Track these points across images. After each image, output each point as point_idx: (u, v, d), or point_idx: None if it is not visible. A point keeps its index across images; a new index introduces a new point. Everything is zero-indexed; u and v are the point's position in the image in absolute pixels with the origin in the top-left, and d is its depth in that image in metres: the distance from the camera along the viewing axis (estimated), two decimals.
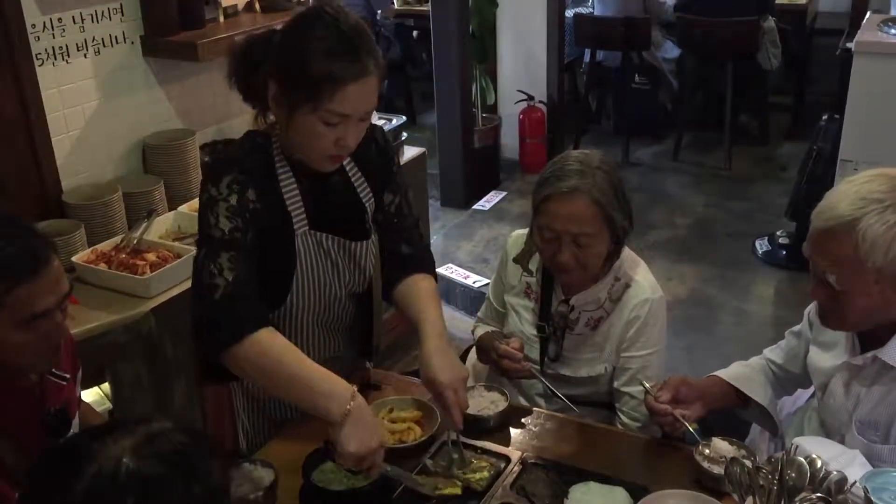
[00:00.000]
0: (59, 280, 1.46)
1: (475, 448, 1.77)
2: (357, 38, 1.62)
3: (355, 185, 1.85)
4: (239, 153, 1.74)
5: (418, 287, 1.91)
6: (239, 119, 3.11)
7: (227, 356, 1.62)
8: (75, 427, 1.67)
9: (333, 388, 1.58)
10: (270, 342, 1.63)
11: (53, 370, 1.61)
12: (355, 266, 1.86)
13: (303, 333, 1.87)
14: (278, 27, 1.72)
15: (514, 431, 1.88)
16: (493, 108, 5.53)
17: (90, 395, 2.47)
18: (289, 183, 1.74)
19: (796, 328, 1.93)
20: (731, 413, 1.95)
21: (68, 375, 1.64)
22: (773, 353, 1.98)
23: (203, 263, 1.66)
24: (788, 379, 1.95)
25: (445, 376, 1.71)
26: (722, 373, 1.93)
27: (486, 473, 1.69)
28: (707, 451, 1.68)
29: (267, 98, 1.68)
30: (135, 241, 2.58)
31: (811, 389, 1.90)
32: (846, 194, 1.54)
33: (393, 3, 6.55)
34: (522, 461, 1.73)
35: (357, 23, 1.65)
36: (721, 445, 1.70)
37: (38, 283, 1.42)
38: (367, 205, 1.87)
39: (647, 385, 1.81)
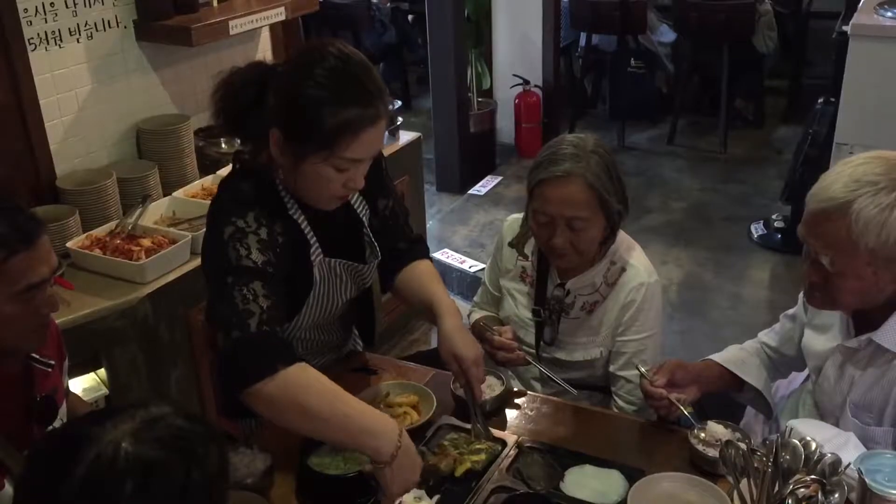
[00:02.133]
0: (50, 252, 1.49)
1: (471, 431, 1.77)
2: (368, 80, 1.57)
3: (352, 202, 1.85)
4: (250, 192, 1.66)
5: (420, 270, 1.95)
6: None
7: (256, 391, 1.47)
8: (62, 415, 1.68)
9: (382, 426, 1.49)
10: (305, 377, 1.51)
11: (38, 357, 1.61)
12: (360, 282, 1.88)
13: (296, 337, 1.88)
14: (272, 63, 1.65)
15: (510, 415, 1.88)
16: (488, 93, 5.51)
17: (86, 381, 2.47)
18: (299, 215, 1.72)
19: (791, 311, 1.94)
20: (726, 396, 1.95)
21: (53, 362, 1.64)
22: (768, 336, 1.99)
23: (232, 292, 1.54)
24: (783, 362, 1.96)
25: (470, 352, 1.76)
26: (717, 356, 1.94)
27: (483, 456, 1.69)
28: (702, 434, 1.69)
29: (261, 137, 1.63)
30: (129, 227, 2.57)
31: (806, 372, 1.91)
32: (840, 176, 1.54)
33: None
34: (518, 445, 1.74)
35: (363, 62, 1.60)
36: (716, 428, 1.70)
37: (34, 253, 1.44)
38: (363, 218, 1.87)
39: (643, 369, 1.81)
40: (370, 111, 1.56)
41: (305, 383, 1.50)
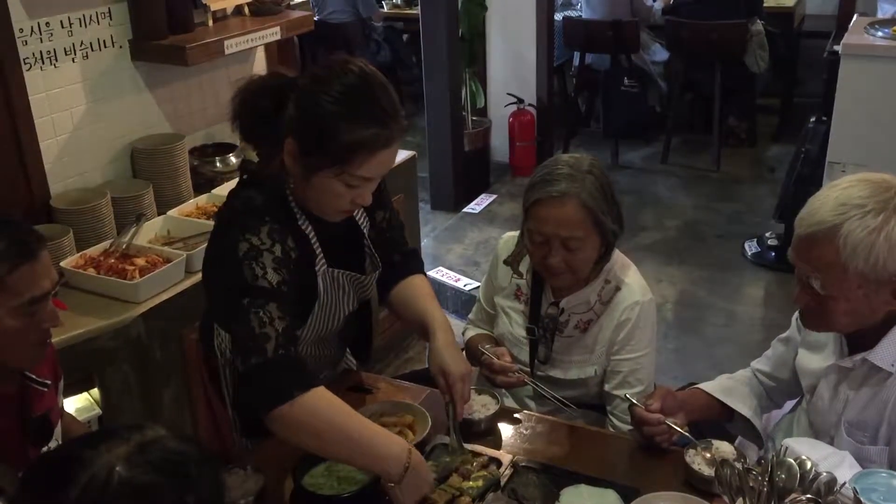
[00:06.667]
0: (51, 266, 1.51)
1: (448, 446, 1.76)
2: (386, 100, 1.60)
3: (354, 215, 1.85)
4: (261, 202, 1.67)
5: (415, 286, 1.96)
6: (228, 124, 3.10)
7: (274, 415, 1.52)
8: (58, 435, 1.67)
9: (391, 449, 1.54)
10: (321, 402, 1.55)
11: (35, 377, 1.61)
12: (361, 293, 1.89)
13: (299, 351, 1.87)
14: (293, 76, 1.66)
15: (504, 434, 1.88)
16: (482, 112, 5.54)
17: (79, 401, 2.46)
18: (306, 225, 1.73)
19: (784, 335, 1.93)
20: (719, 423, 1.95)
21: (49, 382, 1.64)
22: (760, 363, 1.99)
23: (248, 314, 1.56)
24: (778, 388, 1.95)
25: (458, 368, 1.76)
26: (704, 385, 1.94)
27: (479, 483, 1.67)
28: (705, 452, 1.68)
29: (274, 145, 1.65)
30: (124, 246, 2.57)
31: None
32: (827, 200, 1.55)
33: (383, 6, 6.56)
34: (513, 464, 1.73)
35: (383, 82, 1.62)
36: (721, 445, 1.70)
37: (36, 266, 1.46)
38: (364, 230, 1.89)
39: (633, 397, 1.80)
40: (386, 132, 1.59)
41: (321, 408, 1.54)
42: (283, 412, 1.51)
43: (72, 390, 2.34)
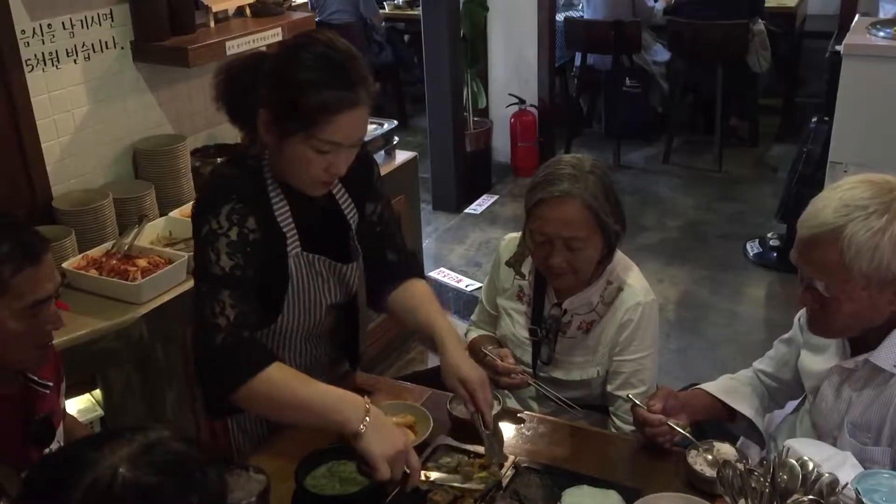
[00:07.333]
0: (54, 269, 1.53)
1: (468, 452, 1.76)
2: (350, 66, 1.63)
3: (340, 203, 1.87)
4: (233, 179, 1.72)
5: (416, 292, 1.94)
6: (229, 124, 3.10)
7: (234, 396, 1.61)
8: (59, 437, 1.67)
9: (347, 403, 1.60)
10: (277, 376, 1.62)
11: (36, 378, 1.61)
12: (343, 284, 1.88)
13: (287, 347, 1.88)
14: (267, 50, 1.72)
15: (507, 435, 1.87)
16: (484, 112, 5.54)
17: (81, 402, 2.46)
18: (281, 205, 1.75)
19: (786, 336, 1.93)
20: (722, 424, 1.95)
21: (51, 383, 1.64)
22: (763, 363, 1.99)
23: (204, 301, 1.64)
24: (780, 389, 1.95)
25: (476, 376, 1.77)
26: (706, 386, 1.94)
27: (482, 486, 1.66)
28: (707, 454, 1.68)
29: (256, 122, 1.68)
30: (126, 247, 2.57)
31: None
32: (830, 201, 1.54)
33: (384, 6, 6.56)
34: (515, 465, 1.73)
35: (349, 50, 1.66)
36: (722, 446, 1.70)
37: (39, 269, 1.47)
38: (351, 222, 1.88)
39: (635, 398, 1.80)
40: (350, 95, 1.61)
41: (276, 381, 1.62)
42: (242, 392, 1.60)
43: (74, 391, 2.35)
